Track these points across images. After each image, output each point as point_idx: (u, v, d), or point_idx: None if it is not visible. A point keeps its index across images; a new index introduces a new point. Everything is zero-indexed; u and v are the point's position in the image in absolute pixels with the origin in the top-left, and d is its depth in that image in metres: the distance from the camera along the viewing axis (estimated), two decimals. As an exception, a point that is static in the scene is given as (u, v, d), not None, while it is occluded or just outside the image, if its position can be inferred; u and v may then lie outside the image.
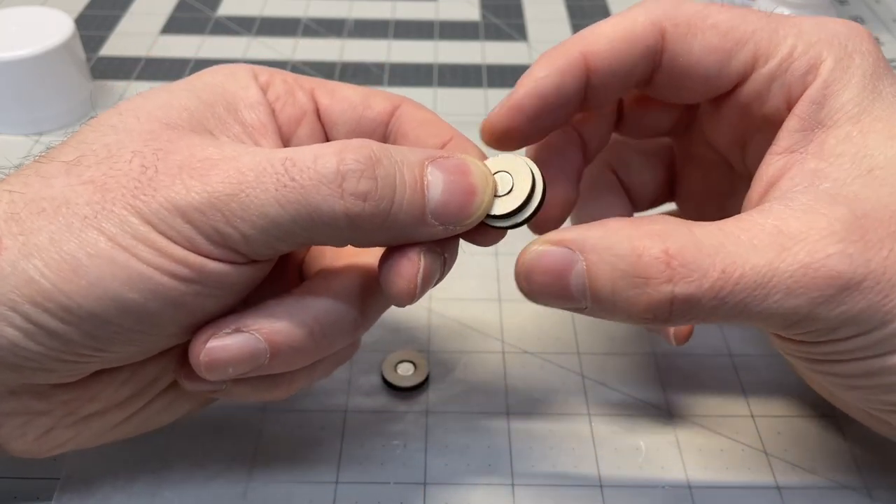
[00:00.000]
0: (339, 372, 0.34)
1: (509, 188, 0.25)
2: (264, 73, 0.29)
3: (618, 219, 0.24)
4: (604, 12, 0.64)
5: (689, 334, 0.30)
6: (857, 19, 0.63)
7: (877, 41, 0.26)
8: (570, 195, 0.30)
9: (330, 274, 0.27)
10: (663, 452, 0.31)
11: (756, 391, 0.34)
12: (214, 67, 0.29)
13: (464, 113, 0.52)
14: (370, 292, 0.26)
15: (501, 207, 0.25)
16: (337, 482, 0.30)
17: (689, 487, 0.30)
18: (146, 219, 0.23)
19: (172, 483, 0.30)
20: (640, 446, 0.32)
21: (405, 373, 0.34)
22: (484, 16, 0.64)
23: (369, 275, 0.27)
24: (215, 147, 0.24)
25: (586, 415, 0.33)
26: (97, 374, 0.26)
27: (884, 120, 0.25)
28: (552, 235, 0.24)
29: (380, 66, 0.57)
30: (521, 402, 0.33)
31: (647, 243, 0.23)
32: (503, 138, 0.28)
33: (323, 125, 0.29)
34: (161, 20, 0.62)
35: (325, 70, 0.56)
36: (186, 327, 0.24)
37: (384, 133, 0.29)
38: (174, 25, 0.61)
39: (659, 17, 0.27)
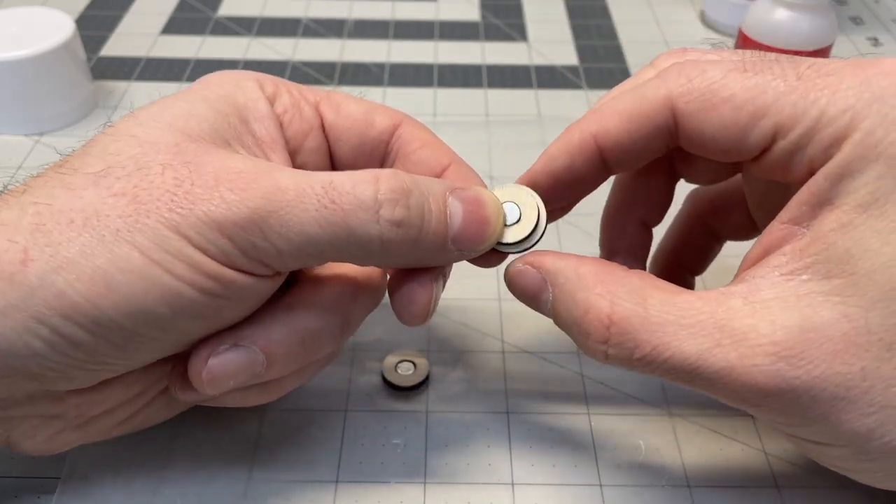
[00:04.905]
0: (339, 372, 0.34)
1: (517, 218, 0.28)
2: (269, 83, 0.29)
3: (592, 262, 0.26)
4: (604, 13, 0.64)
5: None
6: (857, 19, 0.63)
7: None
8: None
9: (317, 282, 0.28)
10: (663, 452, 0.31)
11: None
12: (220, 75, 0.29)
13: (464, 113, 0.52)
14: (354, 299, 0.28)
15: (510, 236, 0.28)
16: (337, 482, 0.30)
17: (689, 487, 0.30)
18: (181, 232, 0.23)
19: (173, 482, 0.30)
20: (640, 446, 0.32)
21: (405, 373, 0.34)
22: (484, 16, 0.64)
23: (353, 282, 0.28)
24: (246, 161, 0.25)
25: (586, 415, 0.33)
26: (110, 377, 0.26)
27: (891, 222, 0.22)
28: (532, 258, 0.27)
29: (380, 67, 0.57)
30: (521, 402, 0.33)
31: (599, 302, 0.24)
32: None
33: (328, 140, 0.30)
34: (161, 20, 0.62)
35: (325, 70, 0.56)
36: (203, 335, 0.25)
37: (385, 150, 0.30)
38: (174, 26, 0.61)
39: (670, 94, 0.25)
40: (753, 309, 0.23)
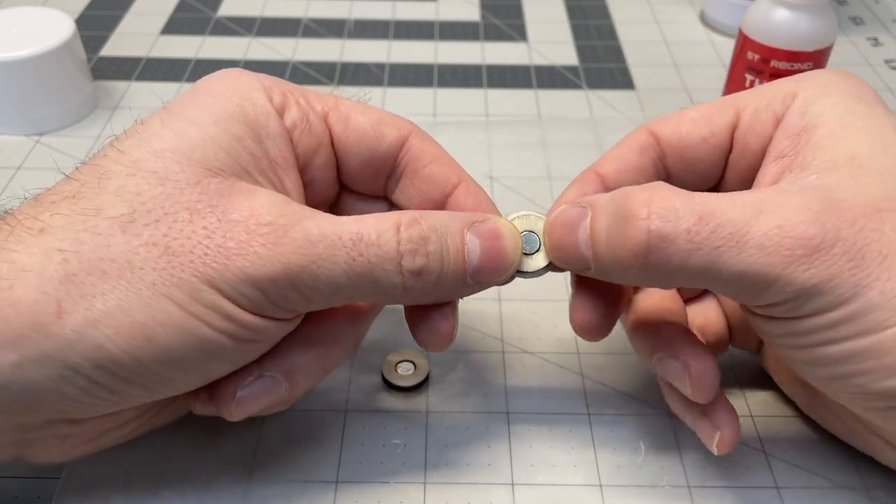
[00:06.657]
0: (339, 372, 0.34)
1: (536, 247, 0.28)
2: (277, 92, 0.28)
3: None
4: (604, 13, 0.64)
5: (732, 444, 0.29)
6: (857, 19, 0.63)
7: (869, 86, 0.28)
8: None
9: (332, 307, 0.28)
10: (663, 452, 0.31)
11: (756, 391, 0.34)
12: (224, 80, 0.28)
13: (464, 113, 0.52)
14: (366, 316, 0.29)
15: (529, 265, 0.28)
16: (337, 482, 0.30)
17: (689, 487, 0.30)
18: (216, 286, 0.24)
19: (172, 483, 0.30)
20: (639, 446, 0.32)
21: (405, 373, 0.34)
22: (484, 16, 0.64)
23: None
24: (272, 207, 0.25)
25: (586, 415, 0.33)
26: None
27: (864, 123, 0.26)
28: (574, 198, 0.28)
29: (380, 67, 0.57)
30: (521, 402, 0.33)
31: (639, 192, 0.25)
32: None
33: (336, 154, 0.30)
34: (161, 20, 0.62)
35: (325, 70, 0.56)
36: (228, 373, 0.27)
37: (393, 164, 0.30)
38: (175, 26, 0.61)
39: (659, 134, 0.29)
40: (781, 193, 0.25)
